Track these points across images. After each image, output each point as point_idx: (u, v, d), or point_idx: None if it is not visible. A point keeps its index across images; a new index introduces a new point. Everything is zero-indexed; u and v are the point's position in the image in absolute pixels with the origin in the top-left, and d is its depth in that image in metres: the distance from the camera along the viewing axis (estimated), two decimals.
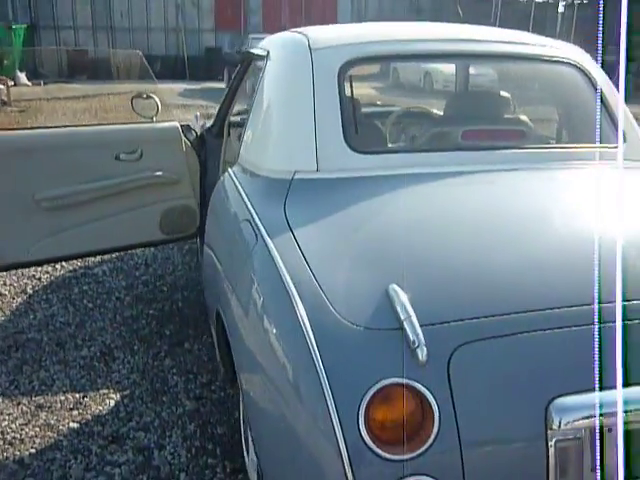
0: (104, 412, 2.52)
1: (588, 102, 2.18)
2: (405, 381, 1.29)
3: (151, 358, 2.95)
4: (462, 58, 2.18)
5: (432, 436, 1.27)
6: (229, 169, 2.34)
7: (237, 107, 3.48)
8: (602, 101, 2.18)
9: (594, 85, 2.22)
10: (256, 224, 1.75)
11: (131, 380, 2.76)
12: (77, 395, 2.63)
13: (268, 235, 1.66)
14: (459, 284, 1.45)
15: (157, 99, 3.43)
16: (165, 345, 3.08)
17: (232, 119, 3.49)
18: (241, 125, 3.48)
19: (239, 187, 2.06)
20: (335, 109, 1.95)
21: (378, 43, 2.15)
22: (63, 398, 2.62)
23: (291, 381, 1.38)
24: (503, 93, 2.20)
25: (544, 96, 2.20)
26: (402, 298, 1.35)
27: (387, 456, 1.26)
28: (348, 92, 2.00)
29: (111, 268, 4.06)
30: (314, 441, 1.32)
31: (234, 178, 2.18)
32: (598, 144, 2.07)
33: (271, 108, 2.16)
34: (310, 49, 2.12)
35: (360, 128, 1.96)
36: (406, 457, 1.26)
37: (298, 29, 2.58)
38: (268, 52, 2.42)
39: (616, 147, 2.07)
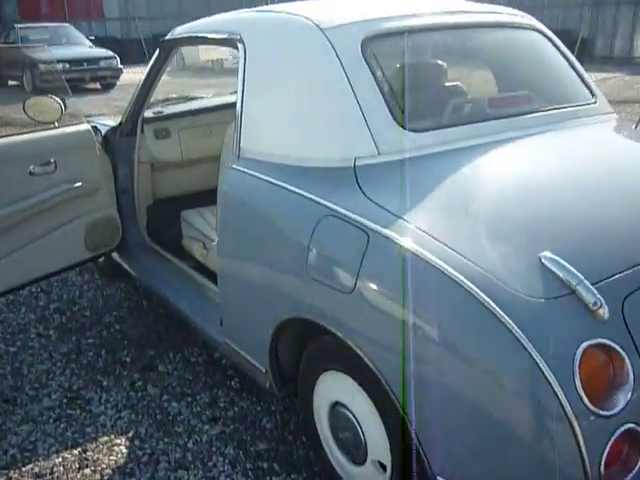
0: (121, 462, 2.20)
1: (559, 64, 2.37)
2: (600, 340, 1.35)
3: (130, 390, 2.62)
4: (462, 29, 2.23)
5: (630, 384, 1.35)
6: (233, 168, 2.13)
7: (155, 101, 3.17)
8: (569, 62, 2.40)
9: (559, 48, 2.42)
10: (354, 220, 1.64)
11: (125, 419, 2.43)
12: (76, 452, 2.25)
13: (384, 228, 1.57)
14: (599, 238, 1.53)
15: (58, 99, 2.99)
16: (135, 373, 2.75)
17: (148, 115, 3.17)
18: (159, 120, 3.19)
19: (282, 183, 1.90)
20: (374, 89, 1.89)
21: (386, 19, 2.10)
22: (60, 459, 2.22)
23: (497, 369, 1.35)
24: (503, 60, 2.31)
25: (524, 61, 2.34)
26: (563, 263, 1.40)
27: (602, 413, 1.31)
28: (377, 71, 1.94)
29: (4, 303, 3.47)
30: (537, 417, 1.32)
31: (261, 176, 1.99)
32: (588, 102, 2.28)
33: (294, 96, 2.00)
34: (321, 29, 2.01)
35: (400, 106, 1.92)
36: (617, 410, 1.33)
37: (263, 8, 2.43)
38: (240, 36, 2.23)
39: (595, 103, 2.30)
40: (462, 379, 1.40)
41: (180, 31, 2.77)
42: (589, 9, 17.14)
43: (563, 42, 2.49)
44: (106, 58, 13.03)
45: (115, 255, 3.32)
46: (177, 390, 2.61)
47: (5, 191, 2.68)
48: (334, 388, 1.86)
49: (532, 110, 2.10)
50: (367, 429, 1.76)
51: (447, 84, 2.18)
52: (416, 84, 2.00)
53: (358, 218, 1.65)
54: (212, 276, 2.78)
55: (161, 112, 3.26)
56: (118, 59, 13.15)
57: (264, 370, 2.11)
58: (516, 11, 2.47)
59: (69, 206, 2.90)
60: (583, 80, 2.37)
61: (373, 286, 1.57)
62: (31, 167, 2.73)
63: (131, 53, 17.95)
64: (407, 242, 1.52)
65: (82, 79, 12.64)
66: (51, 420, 2.44)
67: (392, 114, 1.86)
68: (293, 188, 1.87)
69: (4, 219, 2.65)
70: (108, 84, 13.19)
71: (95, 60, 12.85)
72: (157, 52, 2.88)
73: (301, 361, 2.00)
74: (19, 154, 2.72)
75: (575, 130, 2.11)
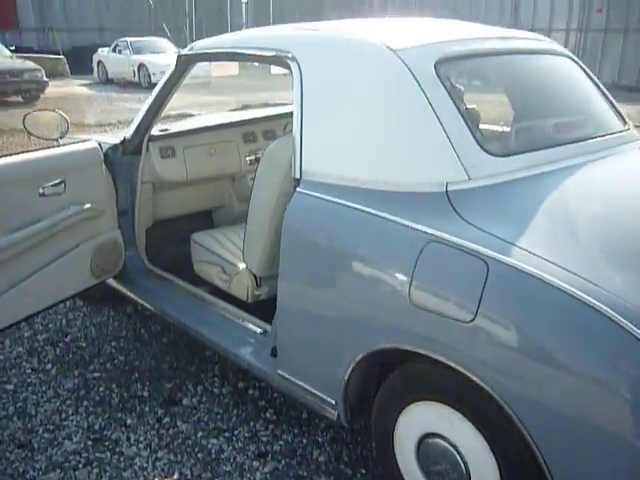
0: None
1: (593, 90, 2.45)
2: None
3: (160, 428, 2.43)
4: (514, 54, 2.25)
5: None
6: (298, 192, 2.03)
7: (163, 119, 3.00)
8: (599, 88, 2.48)
9: (588, 74, 2.50)
10: (466, 247, 1.60)
11: (164, 460, 2.25)
12: None
13: (504, 256, 1.55)
14: None
15: (63, 114, 2.80)
16: (157, 408, 2.56)
17: (155, 133, 3.00)
18: (165, 138, 3.03)
19: (367, 208, 1.83)
20: (455, 112, 1.86)
21: (452, 43, 2.09)
22: None
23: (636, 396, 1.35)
24: (549, 85, 2.34)
25: (566, 87, 2.39)
26: None
27: None
28: (452, 93, 1.92)
29: None
30: None
31: (337, 200, 1.91)
32: (624, 128, 2.36)
33: (371, 119, 1.94)
34: (393, 50, 1.97)
35: (479, 130, 1.91)
36: None
37: (311, 26, 2.36)
38: (292, 55, 2.15)
39: (629, 130, 2.39)
40: (599, 407, 1.39)
41: (203, 46, 2.65)
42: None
43: None
44: (30, 70, 12.37)
45: (110, 281, 3.10)
46: (210, 425, 2.45)
47: (16, 214, 2.45)
48: (426, 419, 1.80)
49: (590, 135, 2.15)
50: (472, 460, 1.71)
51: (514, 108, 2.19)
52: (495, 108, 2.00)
53: (471, 245, 1.61)
54: (236, 302, 2.66)
55: (167, 130, 3.09)
56: (43, 71, 12.52)
57: (334, 402, 2.01)
58: (544, 37, 2.53)
59: (77, 229, 2.69)
60: (614, 106, 2.45)
61: (498, 314, 1.53)
62: (41, 188, 2.52)
63: (50, 65, 17.13)
64: (531, 269, 1.50)
65: (4, 92, 11.93)
66: (80, 465, 2.22)
67: (474, 138, 1.85)
68: (383, 214, 1.80)
69: (15, 245, 2.41)
70: (32, 97, 12.50)
71: (18, 72, 12.17)
72: (173, 67, 2.74)
73: (379, 391, 1.93)
74: (29, 174, 2.50)
75: (629, 155, 2.17)
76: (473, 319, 1.56)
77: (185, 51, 2.71)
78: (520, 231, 1.64)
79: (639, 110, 10.43)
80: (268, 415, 2.52)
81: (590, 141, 2.13)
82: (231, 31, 24.09)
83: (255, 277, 2.61)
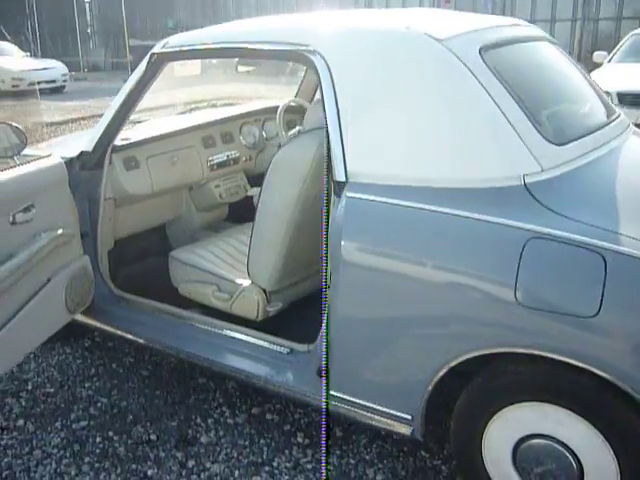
0: None
1: (577, 74, 2.50)
2: None
3: (191, 474, 2.15)
4: (529, 41, 2.23)
5: None
6: (348, 196, 1.87)
7: (127, 126, 2.66)
8: (583, 74, 2.55)
9: (569, 59, 2.55)
10: (575, 240, 1.54)
11: None
12: None
13: (619, 246, 1.51)
14: None
15: (16, 125, 2.40)
16: (176, 451, 2.27)
17: (118, 143, 2.66)
18: (128, 148, 2.70)
19: (447, 210, 1.71)
20: (511, 101, 1.80)
21: (484, 31, 2.03)
22: None
23: None
24: (563, 70, 2.34)
25: (565, 73, 2.42)
26: None
27: None
28: (503, 82, 1.85)
29: None
30: None
31: (410, 204, 1.76)
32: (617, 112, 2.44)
33: (426, 114, 1.81)
34: (437, 40, 1.87)
35: (536, 118, 1.86)
36: None
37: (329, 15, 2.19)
38: (313, 49, 1.99)
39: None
40: None
41: (180, 42, 2.38)
42: None
43: None
44: None
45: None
46: (243, 461, 2.22)
47: None
48: (527, 421, 1.73)
49: (607, 121, 2.19)
50: (586, 458, 1.67)
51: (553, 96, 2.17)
52: (537, 95, 1.96)
53: (579, 238, 1.56)
54: (242, 322, 2.44)
55: (127, 138, 2.75)
56: None
57: (410, 417, 1.89)
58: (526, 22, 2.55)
59: (48, 261, 2.31)
60: (599, 92, 2.53)
61: (625, 305, 1.50)
62: (11, 215, 2.13)
63: None
64: None
65: None
66: None
67: (535, 127, 1.80)
68: (467, 213, 1.69)
69: None
70: None
71: None
72: (143, 67, 2.43)
73: (462, 398, 1.84)
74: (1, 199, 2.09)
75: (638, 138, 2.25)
76: (597, 313, 1.51)
77: (158, 49, 2.42)
78: (612, 218, 1.63)
79: None
80: (300, 439, 2.33)
81: (612, 125, 2.17)
82: (77, 33, 22.71)
83: (265, 292, 2.41)
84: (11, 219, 2.13)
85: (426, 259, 1.75)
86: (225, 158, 3.18)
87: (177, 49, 2.38)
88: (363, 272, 1.86)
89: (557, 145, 1.82)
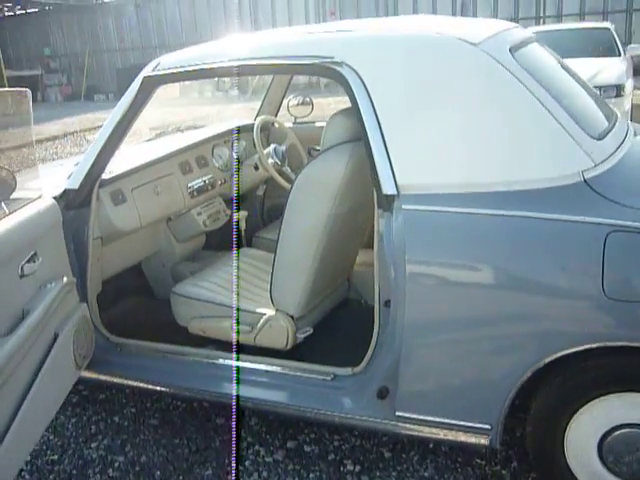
0: None
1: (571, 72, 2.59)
2: None
3: None
4: (532, 42, 2.25)
5: None
6: (403, 208, 1.81)
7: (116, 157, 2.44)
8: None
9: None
10: None
11: None
12: None
13: None
14: None
15: (7, 168, 2.17)
16: None
17: (106, 176, 2.45)
18: (114, 181, 2.49)
19: (516, 213, 1.69)
20: (551, 99, 1.83)
21: (503, 33, 2.04)
22: None
23: None
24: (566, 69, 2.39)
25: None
26: None
27: None
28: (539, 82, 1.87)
29: None
30: None
31: (476, 210, 1.72)
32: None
33: (473, 118, 1.79)
34: (474, 44, 1.86)
35: (573, 114, 1.88)
36: None
37: (349, 27, 2.12)
38: (340, 60, 1.92)
39: None
40: None
41: (174, 63, 2.23)
42: None
43: None
44: None
45: None
46: None
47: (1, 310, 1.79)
48: (615, 412, 1.74)
49: (614, 115, 2.28)
50: None
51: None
52: (562, 93, 2.00)
53: None
54: (269, 353, 2.31)
55: (111, 171, 2.54)
56: None
57: (489, 427, 1.85)
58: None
59: (56, 313, 2.07)
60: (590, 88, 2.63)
61: None
62: (19, 267, 1.89)
63: None
64: None
65: None
66: None
67: (577, 124, 1.83)
68: (538, 214, 1.69)
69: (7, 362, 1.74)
70: None
71: None
72: (133, 93, 2.26)
73: (540, 399, 1.83)
74: (5, 252, 1.84)
75: None
76: None
77: (149, 71, 2.25)
78: None
79: None
80: (350, 467, 2.23)
81: (619, 119, 2.26)
82: None
83: (292, 318, 2.29)
84: (20, 271, 1.89)
85: (504, 264, 1.73)
86: (203, 183, 3.02)
87: (171, 71, 2.22)
88: (434, 284, 1.81)
89: (598, 140, 1.87)
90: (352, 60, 1.92)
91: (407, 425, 1.96)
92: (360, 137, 2.00)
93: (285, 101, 3.53)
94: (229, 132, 3.33)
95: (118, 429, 2.55)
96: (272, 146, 3.12)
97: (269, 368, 2.26)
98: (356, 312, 2.70)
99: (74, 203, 2.34)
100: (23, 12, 21.77)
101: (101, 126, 2.34)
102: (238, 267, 2.68)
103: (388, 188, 1.86)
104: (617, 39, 8.21)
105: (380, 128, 1.87)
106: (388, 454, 2.27)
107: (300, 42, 2.09)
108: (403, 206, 1.83)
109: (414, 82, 1.88)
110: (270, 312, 2.31)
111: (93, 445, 2.46)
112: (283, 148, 3.18)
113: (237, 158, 3.31)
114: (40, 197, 2.15)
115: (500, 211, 1.73)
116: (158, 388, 2.43)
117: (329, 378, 2.15)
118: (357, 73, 1.91)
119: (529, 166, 1.76)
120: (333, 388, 2.12)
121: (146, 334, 2.57)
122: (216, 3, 18.71)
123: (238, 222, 3.07)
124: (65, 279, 2.10)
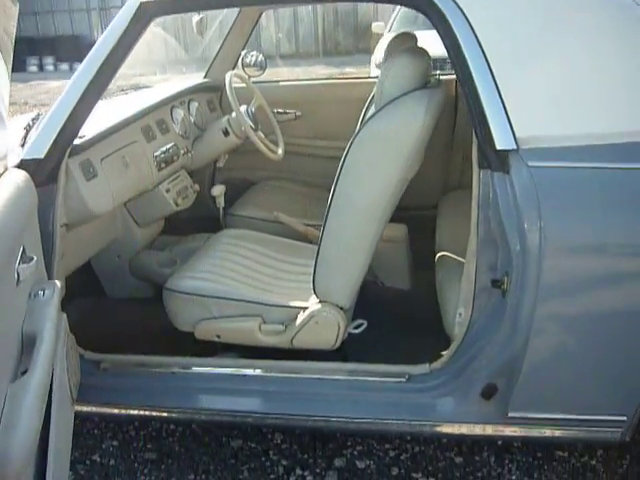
0: None
1: None
2: None
3: None
4: None
5: None
6: (529, 165, 1.46)
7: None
8: None
9: None
10: None
11: None
12: None
13: None
14: None
15: None
16: None
17: (77, 142, 1.83)
18: (84, 149, 1.92)
19: None
20: None
21: None
22: None
23: None
24: None
25: None
26: None
27: None
28: None
29: None
30: None
31: (611, 165, 1.43)
32: None
33: (610, 57, 1.47)
34: None
35: None
36: None
37: None
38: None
39: None
40: None
41: None
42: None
43: None
44: None
45: None
46: None
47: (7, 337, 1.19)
48: None
49: None
50: None
51: None
52: None
53: None
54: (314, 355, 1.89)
55: (83, 136, 1.91)
56: None
57: (624, 418, 1.59)
58: None
59: (59, 334, 1.48)
60: None
61: None
62: (15, 271, 1.28)
63: None
64: None
65: None
66: None
67: None
68: None
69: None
70: None
71: None
72: (124, 24, 1.68)
73: None
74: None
75: None
76: None
77: None
78: None
79: None
80: None
81: None
82: None
83: (342, 310, 1.87)
84: (16, 276, 1.28)
85: None
86: (168, 153, 2.44)
87: None
88: (576, 258, 1.48)
89: None
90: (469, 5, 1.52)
91: (521, 427, 1.65)
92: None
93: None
94: (186, 92, 2.75)
95: (106, 471, 1.97)
96: (243, 107, 2.61)
97: (319, 375, 1.82)
98: (380, 296, 2.33)
99: (36, 179, 1.70)
100: None
101: None
102: (238, 254, 2.18)
103: (503, 142, 1.50)
104: None
105: (490, 68, 1.50)
106: (459, 459, 1.95)
107: None
108: (529, 163, 1.48)
109: (532, 9, 1.52)
110: (313, 305, 1.87)
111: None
112: (252, 109, 2.69)
113: (194, 122, 2.75)
114: (7, 170, 1.51)
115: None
116: (159, 414, 1.90)
117: (404, 379, 1.77)
118: (455, 2, 1.52)
119: None
120: (414, 391, 1.75)
121: (128, 346, 2.01)
122: None
123: (215, 199, 2.54)
124: (57, 283, 1.50)
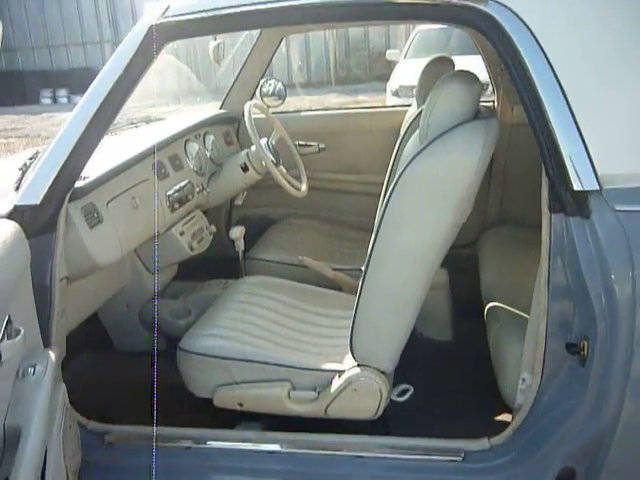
0: None
1: None
2: None
3: None
4: None
5: None
6: (616, 210, 1.22)
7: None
8: None
9: None
10: None
11: None
12: None
13: None
14: None
15: None
16: None
17: (79, 184, 1.61)
18: (86, 192, 1.69)
19: None
20: None
21: None
22: None
23: None
24: None
25: None
26: None
27: None
28: None
29: None
30: None
31: None
32: None
33: None
34: None
35: None
36: None
37: None
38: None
39: None
40: None
41: (198, 5, 1.46)
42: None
43: None
44: None
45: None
46: None
47: None
48: None
49: None
50: None
51: None
52: None
53: None
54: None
55: (86, 177, 1.68)
56: None
57: None
58: None
59: (52, 421, 1.23)
60: None
61: None
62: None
63: None
64: None
65: None
66: None
67: None
68: None
69: None
70: None
71: None
72: (133, 48, 1.46)
73: None
74: None
75: None
76: None
77: (157, 18, 1.46)
78: None
79: None
80: None
81: None
82: None
83: (384, 375, 1.62)
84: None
85: None
86: (181, 192, 2.22)
87: (191, 17, 1.46)
88: None
89: None
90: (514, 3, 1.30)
91: None
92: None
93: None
94: (202, 124, 2.54)
95: None
96: (263, 140, 2.39)
97: (357, 452, 1.56)
98: (421, 351, 2.07)
99: (32, 227, 1.47)
100: None
101: None
102: (259, 306, 1.94)
103: (584, 182, 1.26)
104: None
105: (566, 98, 1.26)
106: None
107: None
108: (616, 206, 1.24)
109: (607, 30, 1.29)
110: (350, 369, 1.61)
111: None
112: (273, 142, 2.47)
113: (209, 157, 2.53)
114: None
115: None
116: None
117: (459, 458, 1.50)
118: (515, 13, 1.29)
119: None
120: (473, 473, 1.48)
121: (136, 412, 1.76)
122: None
123: (234, 242, 2.30)
124: (52, 355, 1.26)
